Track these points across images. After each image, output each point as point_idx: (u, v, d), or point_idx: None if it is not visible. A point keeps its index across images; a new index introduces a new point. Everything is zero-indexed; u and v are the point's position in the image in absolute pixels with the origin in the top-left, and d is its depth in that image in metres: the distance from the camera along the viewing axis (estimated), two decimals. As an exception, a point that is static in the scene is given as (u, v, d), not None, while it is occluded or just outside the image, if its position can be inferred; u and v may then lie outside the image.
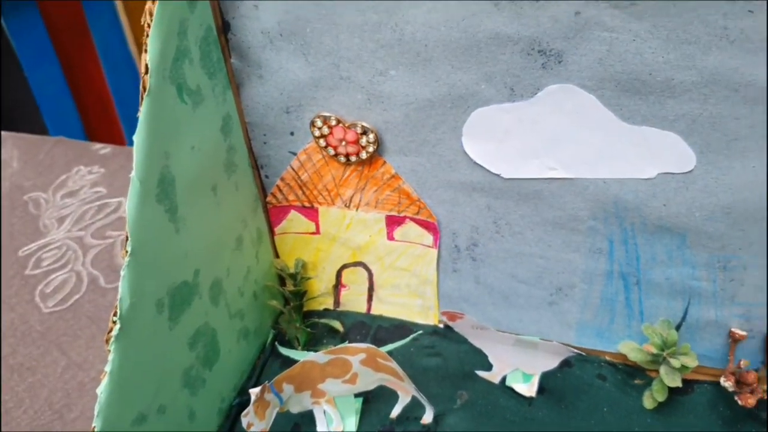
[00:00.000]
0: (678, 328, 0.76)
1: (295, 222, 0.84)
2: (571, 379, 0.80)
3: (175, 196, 0.60)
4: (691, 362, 0.71)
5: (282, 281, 0.87)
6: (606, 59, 0.61)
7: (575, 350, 0.73)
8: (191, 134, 0.62)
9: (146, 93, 0.55)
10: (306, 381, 0.70)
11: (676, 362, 0.71)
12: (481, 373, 0.80)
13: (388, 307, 0.88)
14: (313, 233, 0.84)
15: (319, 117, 0.72)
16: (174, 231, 0.61)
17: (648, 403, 0.76)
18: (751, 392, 0.72)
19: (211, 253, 0.69)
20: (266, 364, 0.84)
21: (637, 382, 0.79)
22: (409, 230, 0.80)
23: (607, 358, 0.82)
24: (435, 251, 0.80)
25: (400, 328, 0.88)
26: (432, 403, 0.74)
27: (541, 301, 0.80)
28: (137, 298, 0.56)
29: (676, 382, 0.72)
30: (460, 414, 0.77)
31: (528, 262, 0.77)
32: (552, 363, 0.77)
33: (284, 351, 0.84)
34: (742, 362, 0.74)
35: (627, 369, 0.81)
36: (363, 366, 0.69)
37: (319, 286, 0.88)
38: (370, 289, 0.87)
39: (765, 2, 0.54)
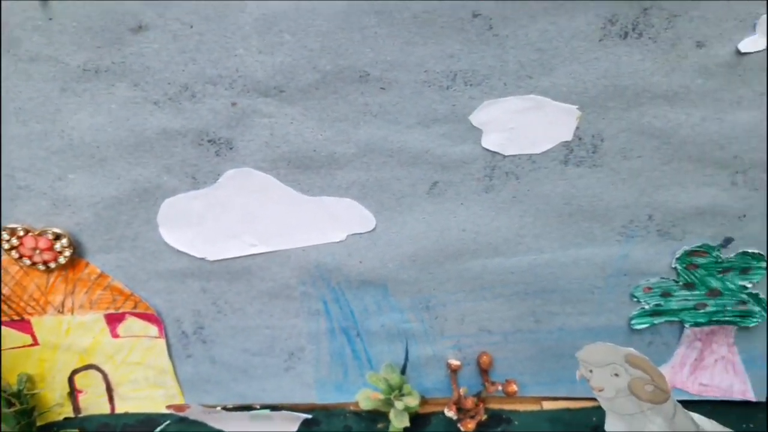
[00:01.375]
0: (404, 368, 0.81)
1: (8, 338, 0.79)
2: (319, 437, 0.82)
3: None
4: (413, 401, 0.76)
5: (9, 402, 0.81)
6: (272, 142, 0.64)
7: (304, 415, 0.75)
8: None
9: None
10: None
11: (400, 404, 0.76)
12: (231, 454, 0.80)
13: (132, 403, 0.85)
14: (31, 345, 0.80)
15: (5, 230, 0.69)
16: None
17: (390, 444, 0.80)
18: (471, 417, 0.79)
19: None
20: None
21: (380, 426, 0.83)
22: (132, 325, 0.78)
23: (352, 408, 0.85)
24: (163, 341, 0.79)
25: (147, 422, 0.85)
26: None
27: (278, 369, 0.82)
28: None
29: (405, 423, 0.76)
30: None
31: (256, 334, 0.79)
32: (292, 427, 0.78)
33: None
34: (461, 390, 0.80)
35: (370, 416, 0.84)
36: None
37: (52, 396, 0.84)
38: (109, 389, 0.84)
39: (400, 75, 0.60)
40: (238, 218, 0.69)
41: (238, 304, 0.76)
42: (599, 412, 0.71)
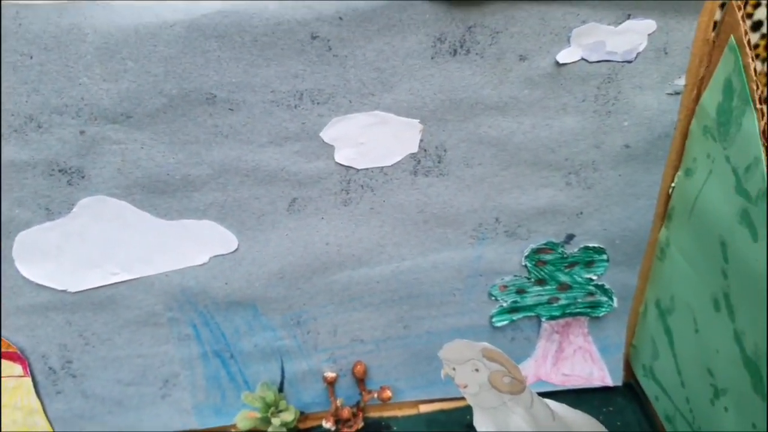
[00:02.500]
0: (281, 386, 0.82)
1: None
2: (200, 464, 0.82)
3: None
4: (290, 416, 0.77)
5: None
6: (124, 168, 0.64)
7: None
8: None
9: None
10: None
11: (277, 421, 0.77)
12: (108, 488, 0.78)
13: (1, 448, 0.82)
14: None
15: None
16: None
17: (272, 462, 0.80)
18: (349, 427, 0.81)
19: None
20: None
21: (262, 445, 0.83)
22: (-6, 365, 0.76)
23: (232, 431, 0.85)
24: (28, 379, 0.77)
25: (18, 466, 0.82)
26: None
27: (154, 397, 0.81)
28: None
29: (282, 438, 0.77)
30: None
31: (128, 364, 0.78)
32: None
33: None
34: (338, 401, 0.82)
35: (252, 436, 0.85)
36: None
37: None
38: (-26, 436, 0.81)
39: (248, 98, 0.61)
40: (97, 247, 0.69)
41: (105, 334, 0.75)
42: (470, 411, 0.74)
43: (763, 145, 0.59)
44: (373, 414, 0.87)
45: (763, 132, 0.59)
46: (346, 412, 0.80)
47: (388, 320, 0.79)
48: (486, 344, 0.67)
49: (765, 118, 0.60)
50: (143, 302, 0.73)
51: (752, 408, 0.63)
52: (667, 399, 0.79)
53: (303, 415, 0.86)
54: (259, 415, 0.77)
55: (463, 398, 0.84)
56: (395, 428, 0.85)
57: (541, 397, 0.69)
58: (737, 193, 0.62)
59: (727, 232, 0.64)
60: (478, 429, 0.73)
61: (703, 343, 0.71)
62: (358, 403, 0.85)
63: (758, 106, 0.60)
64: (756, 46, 0.90)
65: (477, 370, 0.69)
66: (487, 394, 0.70)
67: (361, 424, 0.82)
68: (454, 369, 0.70)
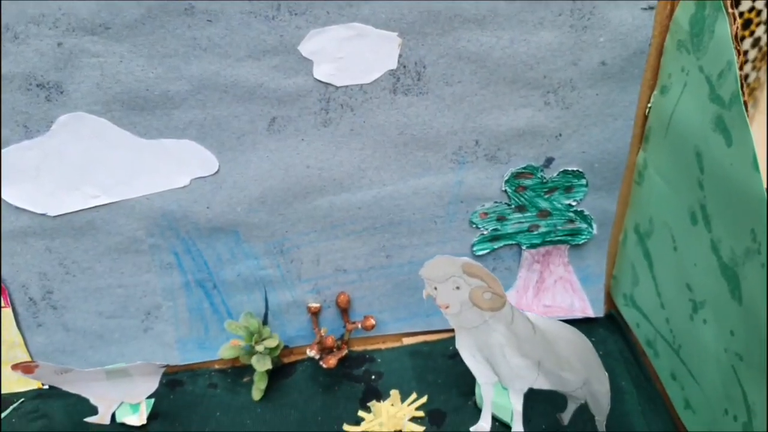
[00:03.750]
0: (265, 317, 0.82)
1: None
2: (183, 397, 0.82)
3: None
4: (273, 343, 0.77)
5: None
6: (103, 83, 0.64)
7: (161, 365, 0.74)
8: None
9: None
10: None
11: (260, 347, 0.77)
12: (91, 419, 0.78)
13: (-18, 385, 0.81)
14: None
15: None
16: None
17: (256, 395, 0.80)
18: (333, 355, 0.81)
19: None
20: None
21: (245, 380, 0.83)
22: (-27, 295, 0.75)
23: (217, 366, 0.85)
24: (9, 310, 0.76)
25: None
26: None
27: (136, 330, 0.81)
28: None
29: (267, 365, 0.77)
30: (71, 466, 0.73)
31: (109, 295, 0.78)
32: (152, 385, 0.77)
33: None
34: (322, 331, 0.82)
35: (236, 371, 0.85)
36: None
37: None
38: (-46, 372, 0.80)
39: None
40: (76, 167, 0.69)
41: (86, 262, 0.75)
42: (452, 342, 0.75)
43: (735, 49, 0.60)
44: (358, 347, 0.87)
45: (735, 36, 0.60)
46: (330, 341, 0.80)
47: (371, 249, 0.80)
48: (467, 259, 0.67)
49: (736, 23, 0.61)
50: (124, 227, 0.73)
51: (729, 315, 0.64)
52: (648, 324, 0.80)
53: (288, 349, 0.86)
54: (242, 343, 0.77)
55: (446, 331, 0.85)
56: (379, 360, 0.86)
57: (520, 311, 0.69)
58: (711, 101, 0.63)
59: (702, 141, 0.65)
60: (459, 350, 0.74)
61: (682, 259, 0.72)
62: (342, 336, 0.85)
63: (730, 10, 0.61)
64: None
65: (458, 287, 0.69)
66: (468, 314, 0.70)
67: (345, 353, 0.82)
68: (435, 288, 0.70)
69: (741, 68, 0.58)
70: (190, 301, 0.79)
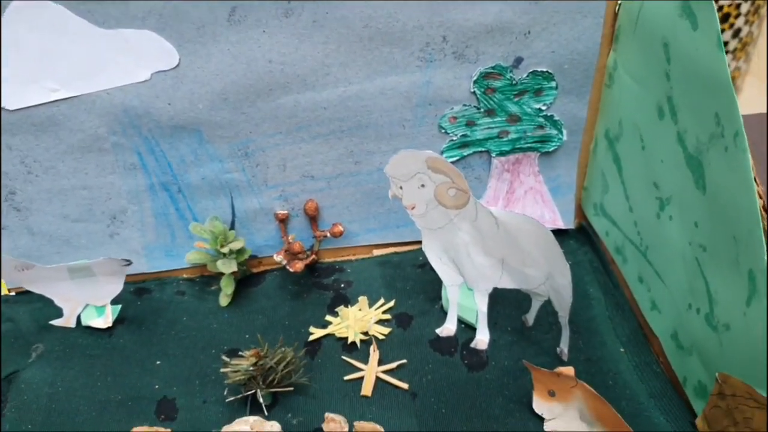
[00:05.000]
0: (232, 224, 0.82)
1: None
2: (150, 303, 0.81)
3: None
4: (238, 245, 0.77)
5: None
6: (56, -36, 0.63)
7: (125, 263, 0.74)
8: None
9: None
10: None
11: (225, 249, 0.76)
12: (56, 322, 0.78)
13: (-52, 292, 0.81)
14: None
15: None
16: None
17: (223, 301, 0.80)
18: (300, 260, 0.81)
19: None
20: None
21: (213, 288, 0.83)
22: (-66, 194, 0.74)
23: (185, 275, 0.84)
24: (-29, 211, 0.76)
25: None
26: (3, 367, 0.70)
27: (102, 236, 0.80)
28: None
29: (232, 267, 0.77)
30: (36, 366, 0.74)
31: (73, 197, 0.77)
32: (116, 287, 0.77)
33: None
34: (290, 237, 0.82)
35: (204, 280, 0.85)
36: None
37: None
38: None
39: None
40: (35, 59, 0.67)
41: (48, 161, 0.74)
42: (423, 253, 0.74)
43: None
44: (328, 258, 0.87)
45: None
46: (297, 246, 0.79)
47: (338, 154, 0.79)
48: (430, 152, 0.66)
49: None
50: (85, 124, 0.72)
51: (694, 206, 0.64)
52: (617, 230, 0.80)
53: (256, 259, 0.85)
54: (207, 245, 0.77)
55: (416, 242, 0.84)
56: (349, 270, 0.85)
57: (484, 206, 0.68)
58: (678, -12, 0.62)
59: (670, 31, 0.64)
60: (426, 252, 0.73)
61: (649, 157, 0.71)
62: (311, 246, 0.85)
63: None
64: None
65: (423, 185, 0.68)
66: (434, 214, 0.69)
67: (312, 258, 0.82)
68: (401, 188, 0.69)
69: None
70: (156, 205, 0.78)
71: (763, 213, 0.55)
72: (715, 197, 0.60)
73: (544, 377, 0.65)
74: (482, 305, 0.74)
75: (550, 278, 0.69)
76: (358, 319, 0.76)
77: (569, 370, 0.63)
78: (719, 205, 0.60)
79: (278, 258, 0.79)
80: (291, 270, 0.79)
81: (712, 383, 0.62)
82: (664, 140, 0.67)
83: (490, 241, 0.69)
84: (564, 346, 0.72)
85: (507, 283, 0.72)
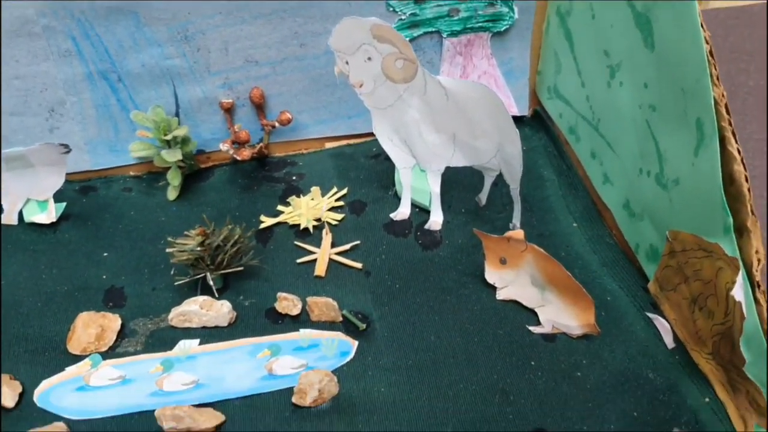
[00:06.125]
0: (177, 115, 0.79)
1: None
2: (96, 200, 0.79)
3: None
4: (183, 131, 0.74)
5: None
6: None
7: (64, 149, 0.71)
8: None
9: None
10: None
11: (170, 137, 0.74)
12: (-4, 219, 0.75)
13: None
14: None
15: None
16: None
17: (171, 194, 0.78)
18: (246, 148, 0.78)
19: None
20: None
21: (161, 183, 0.81)
22: None
23: (132, 173, 0.82)
24: None
25: None
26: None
27: (41, 130, 0.77)
28: None
29: (177, 156, 0.74)
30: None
31: (6, 88, 0.74)
32: (57, 179, 0.74)
33: None
34: (236, 126, 0.79)
35: (151, 177, 0.82)
36: None
37: None
38: None
39: None
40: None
41: (-26, 48, 0.70)
42: (377, 144, 0.72)
43: None
44: (279, 153, 0.85)
45: None
46: (244, 135, 0.77)
47: (282, 36, 0.76)
48: (375, 19, 0.64)
49: None
50: (11, 3, 0.68)
51: (643, 67, 0.63)
52: (570, 109, 0.79)
53: (204, 154, 0.83)
54: (150, 134, 0.74)
55: (368, 134, 0.82)
56: (301, 163, 0.84)
57: (432, 76, 0.67)
58: None
59: None
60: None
61: (599, 25, 0.69)
62: (261, 139, 0.82)
63: None
64: None
65: (369, 58, 0.66)
66: (382, 90, 0.68)
67: (260, 147, 0.79)
68: (347, 63, 0.67)
69: None
70: (95, 96, 0.75)
71: (710, 58, 0.54)
72: (663, 53, 0.60)
73: (494, 244, 0.64)
74: (435, 186, 0.73)
75: (501, 149, 0.68)
76: (311, 208, 0.75)
77: (519, 233, 0.62)
78: (667, 61, 0.59)
79: (224, 147, 0.77)
80: (238, 158, 0.77)
81: (663, 244, 0.63)
82: (613, 5, 0.66)
83: (441, 116, 0.68)
84: (516, 221, 0.72)
85: (459, 161, 0.71)
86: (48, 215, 0.74)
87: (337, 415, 0.57)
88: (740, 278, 0.51)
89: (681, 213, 0.60)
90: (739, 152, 0.52)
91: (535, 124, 0.87)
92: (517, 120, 0.86)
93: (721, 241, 0.53)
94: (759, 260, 0.52)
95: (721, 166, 0.53)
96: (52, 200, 0.74)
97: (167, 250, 0.66)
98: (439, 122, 0.68)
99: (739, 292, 0.51)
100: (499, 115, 0.66)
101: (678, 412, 0.56)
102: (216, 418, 0.56)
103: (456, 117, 0.67)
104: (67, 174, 0.76)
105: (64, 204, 0.76)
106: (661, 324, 0.63)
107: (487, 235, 0.64)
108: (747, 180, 0.52)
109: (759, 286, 0.51)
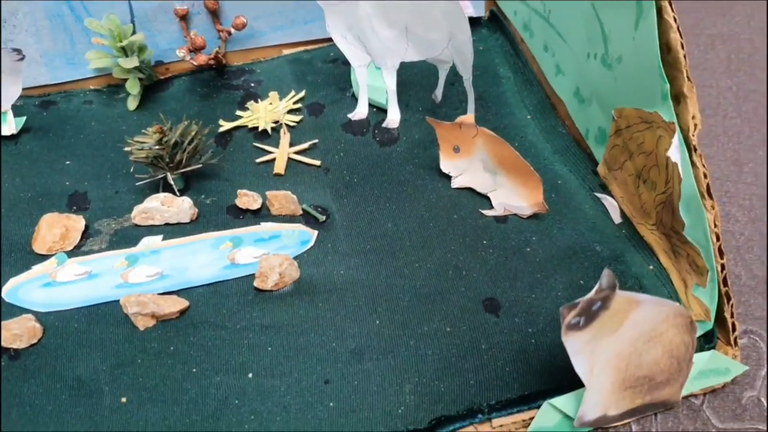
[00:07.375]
0: (133, 25, 0.79)
1: None
2: (57, 113, 0.79)
3: None
4: (139, 38, 0.74)
5: None
6: None
7: (17, 56, 0.71)
8: None
9: None
10: None
11: (125, 43, 0.74)
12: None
13: None
14: None
15: None
16: None
17: (131, 104, 0.79)
18: (203, 54, 0.79)
19: None
20: None
21: (121, 96, 0.81)
22: None
23: (92, 87, 0.82)
24: None
25: None
26: None
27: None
28: None
29: (134, 63, 0.75)
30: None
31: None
32: (15, 89, 0.74)
33: None
34: (192, 33, 0.79)
35: (111, 89, 0.82)
36: None
37: None
38: None
39: None
40: None
41: None
42: (334, 49, 0.73)
43: None
44: (237, 62, 0.85)
45: None
46: (200, 41, 0.77)
47: (233, -61, 0.75)
48: None
49: None
50: None
51: (587, -51, 0.63)
52: (524, 6, 0.79)
53: (163, 65, 0.83)
54: (106, 42, 0.74)
55: (325, 39, 0.83)
56: (258, 71, 0.84)
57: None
58: None
59: None
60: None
61: None
62: (218, 47, 0.82)
63: None
64: None
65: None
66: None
67: (217, 53, 0.80)
68: (297, -40, 0.67)
69: None
70: (48, 5, 0.75)
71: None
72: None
73: (447, 132, 0.66)
74: (391, 83, 0.74)
75: (452, 38, 0.69)
76: (269, 111, 0.76)
77: (470, 118, 0.63)
78: (610, -60, 0.60)
79: (180, 53, 0.77)
80: (195, 64, 0.77)
81: (609, 125, 0.64)
82: None
83: (392, 8, 0.68)
84: (470, 112, 0.73)
85: (413, 55, 0.72)
86: (8, 127, 0.74)
87: (298, 297, 0.59)
88: (676, 140, 0.53)
89: (624, 90, 0.61)
90: (675, 20, 0.53)
91: (491, 25, 0.87)
92: (474, 21, 0.87)
93: (659, 109, 0.55)
94: (696, 125, 0.54)
95: (659, 36, 0.54)
96: (11, 112, 0.74)
97: (125, 149, 0.67)
98: (391, 15, 0.69)
99: (675, 153, 0.53)
100: (448, 3, 0.67)
101: (623, 279, 0.59)
102: (180, 303, 0.58)
103: (406, 8, 0.68)
104: (25, 89, 0.76)
105: (24, 118, 0.76)
106: (609, 202, 0.65)
107: (440, 123, 0.65)
108: (683, 47, 0.53)
109: (696, 150, 0.53)
